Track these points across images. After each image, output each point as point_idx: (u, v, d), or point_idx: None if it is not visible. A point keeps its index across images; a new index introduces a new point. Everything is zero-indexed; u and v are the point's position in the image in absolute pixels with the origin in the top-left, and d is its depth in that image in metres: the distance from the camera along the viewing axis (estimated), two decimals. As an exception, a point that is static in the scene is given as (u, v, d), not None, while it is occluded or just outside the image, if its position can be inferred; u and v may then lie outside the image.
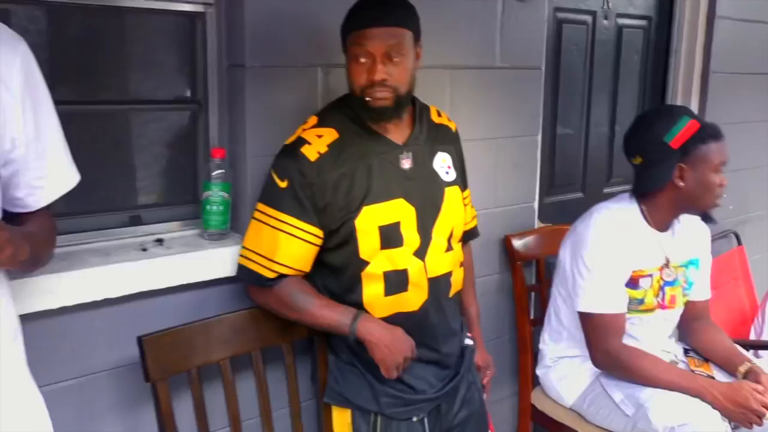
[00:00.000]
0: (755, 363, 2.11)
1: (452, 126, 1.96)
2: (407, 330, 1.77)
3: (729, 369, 2.15)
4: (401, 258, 1.76)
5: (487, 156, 2.41)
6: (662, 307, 2.16)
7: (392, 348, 1.71)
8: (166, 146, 1.93)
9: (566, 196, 3.00)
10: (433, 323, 1.84)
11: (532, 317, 2.58)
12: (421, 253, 1.79)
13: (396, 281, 1.76)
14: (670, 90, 3.24)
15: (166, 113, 1.92)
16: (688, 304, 2.25)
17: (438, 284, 1.83)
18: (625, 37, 3.08)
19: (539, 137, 2.57)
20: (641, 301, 2.13)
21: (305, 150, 1.71)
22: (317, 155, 1.71)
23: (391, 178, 1.76)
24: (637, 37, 3.15)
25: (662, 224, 2.13)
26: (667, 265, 2.14)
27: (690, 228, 2.20)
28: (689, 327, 2.29)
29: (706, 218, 2.14)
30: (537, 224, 2.69)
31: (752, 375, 2.06)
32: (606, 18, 2.97)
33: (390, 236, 1.75)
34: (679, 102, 3.24)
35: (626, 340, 2.11)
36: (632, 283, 2.10)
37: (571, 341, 2.23)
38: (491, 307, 2.51)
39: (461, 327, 1.97)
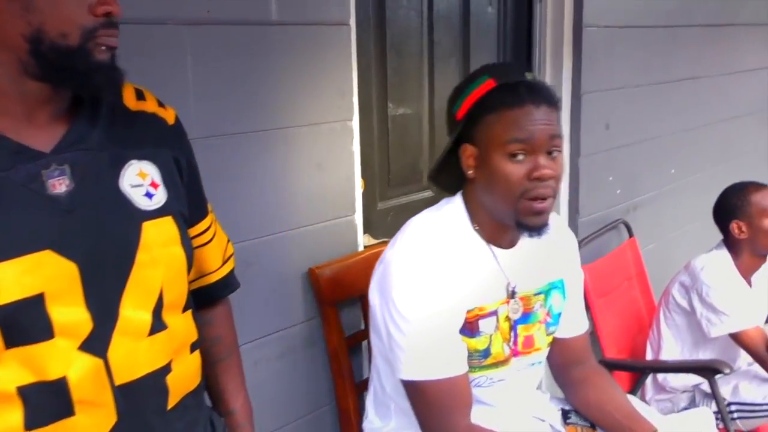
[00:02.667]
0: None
1: (168, 115, 1.17)
2: None
3: None
4: (52, 359, 0.97)
5: (270, 156, 1.64)
6: (515, 353, 1.49)
7: None
8: None
9: (410, 198, 2.27)
10: (135, 463, 1.06)
11: (363, 378, 1.85)
12: (96, 344, 1.00)
13: (46, 402, 0.98)
14: (537, 50, 2.56)
15: None
16: (558, 344, 1.59)
17: (140, 393, 1.05)
18: (475, -18, 2.37)
19: (355, 122, 1.83)
20: (486, 353, 1.44)
21: None
22: None
23: (25, 213, 0.96)
24: (491, -16, 2.45)
25: (498, 236, 1.43)
26: (512, 295, 1.46)
27: (547, 238, 1.43)
28: (567, 375, 1.62)
29: (520, 226, 1.37)
30: (365, 243, 1.95)
31: None
32: (447, -43, 2.25)
33: (22, 322, 0.95)
34: (548, 66, 2.56)
35: (477, 409, 1.43)
36: (468, 328, 1.41)
37: (402, 417, 1.51)
38: (300, 370, 1.77)
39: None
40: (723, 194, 2.47)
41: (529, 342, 1.50)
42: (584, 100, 2.59)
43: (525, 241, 1.46)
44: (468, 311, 1.40)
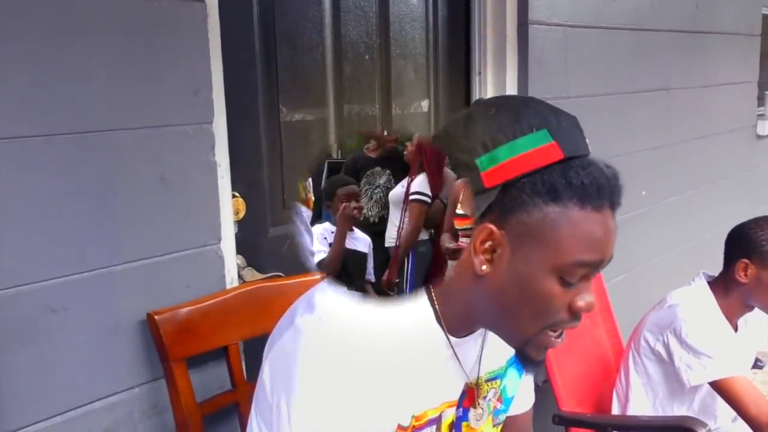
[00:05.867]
0: None
1: None
2: None
3: None
4: None
5: (86, 167, 1.24)
6: None
7: None
8: None
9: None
10: None
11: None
12: None
13: None
14: (476, 48, 2.19)
15: None
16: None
17: None
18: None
19: (218, 126, 1.44)
20: None
21: None
22: None
23: None
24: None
25: (460, 326, 0.99)
26: (475, 389, 1.05)
27: None
28: None
29: (522, 357, 0.97)
30: (246, 278, 1.56)
31: None
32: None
33: None
34: (489, 68, 2.19)
35: None
36: None
37: None
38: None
39: None
40: (750, 223, 2.00)
41: None
42: (533, 109, 2.21)
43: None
44: (401, 427, 0.97)
